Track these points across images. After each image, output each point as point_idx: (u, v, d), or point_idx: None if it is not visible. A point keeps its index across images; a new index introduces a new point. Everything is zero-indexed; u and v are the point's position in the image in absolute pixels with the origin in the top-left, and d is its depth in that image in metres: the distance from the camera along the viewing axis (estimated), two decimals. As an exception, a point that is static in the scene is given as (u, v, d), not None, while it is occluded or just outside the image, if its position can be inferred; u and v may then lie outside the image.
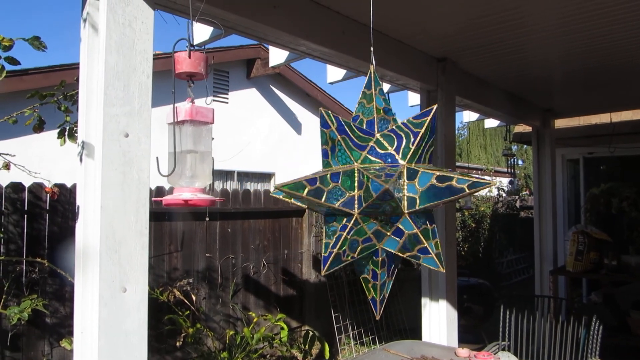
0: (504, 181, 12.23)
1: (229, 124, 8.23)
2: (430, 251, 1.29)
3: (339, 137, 1.33)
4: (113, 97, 1.46)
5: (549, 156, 5.46)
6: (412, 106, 4.43)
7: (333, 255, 1.27)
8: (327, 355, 4.78)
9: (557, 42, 3.25)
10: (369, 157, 1.34)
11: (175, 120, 1.44)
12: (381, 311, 1.36)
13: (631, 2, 2.57)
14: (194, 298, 4.56)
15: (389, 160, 1.33)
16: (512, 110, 4.72)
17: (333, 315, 5.36)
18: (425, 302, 3.51)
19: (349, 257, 1.31)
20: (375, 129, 1.39)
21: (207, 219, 4.91)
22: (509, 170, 6.74)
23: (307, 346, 5.02)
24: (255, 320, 4.74)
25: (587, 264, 4.94)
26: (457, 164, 14.28)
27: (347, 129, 1.34)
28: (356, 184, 1.28)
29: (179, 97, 1.47)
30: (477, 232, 9.55)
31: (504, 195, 11.16)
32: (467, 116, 5.35)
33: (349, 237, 1.28)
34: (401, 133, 1.36)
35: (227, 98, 8.52)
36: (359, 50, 2.77)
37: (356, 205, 1.27)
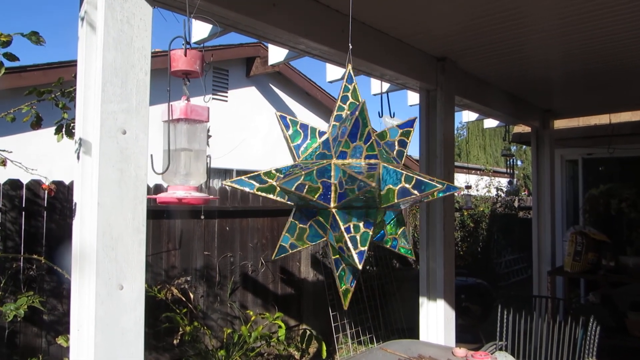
0: (503, 181, 12.24)
1: (228, 122, 8.23)
2: (351, 248, 1.30)
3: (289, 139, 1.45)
4: (111, 93, 1.46)
5: (548, 157, 5.46)
6: (411, 106, 4.43)
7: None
8: (325, 354, 4.78)
9: (557, 43, 3.24)
10: (313, 154, 1.44)
11: (170, 118, 1.44)
12: (347, 303, 1.42)
13: (632, 2, 2.56)
14: (191, 296, 4.56)
15: (327, 157, 1.40)
16: (511, 110, 4.72)
17: (331, 314, 5.36)
18: (423, 301, 3.51)
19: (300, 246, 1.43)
20: (330, 126, 1.50)
21: (202, 217, 4.91)
22: (508, 170, 6.74)
23: (304, 345, 5.02)
24: (253, 318, 4.74)
25: (585, 264, 4.94)
26: (456, 164, 14.29)
27: (300, 130, 1.48)
28: (333, 179, 1.31)
29: (176, 95, 1.46)
30: (476, 232, 9.56)
31: (502, 195, 11.17)
32: (467, 116, 5.35)
33: (304, 228, 1.39)
34: (339, 129, 1.44)
35: (227, 96, 8.51)
36: (358, 48, 2.76)
37: (332, 200, 1.30)
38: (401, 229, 1.52)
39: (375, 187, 1.22)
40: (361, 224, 1.31)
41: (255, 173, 1.36)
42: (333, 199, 1.30)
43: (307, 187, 1.28)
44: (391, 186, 1.33)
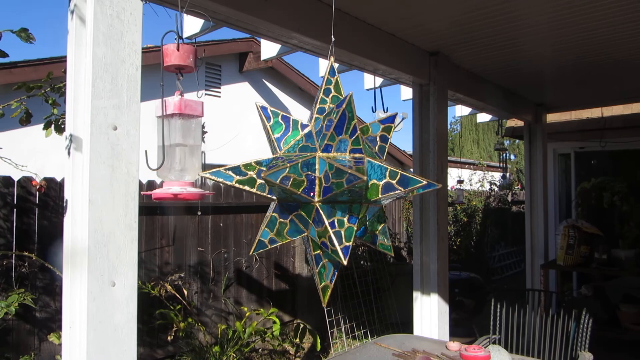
0: (497, 176, 12.28)
1: (222, 117, 8.19)
2: (335, 243, 1.30)
3: (270, 130, 1.46)
4: (101, 89, 1.44)
5: (540, 150, 5.48)
6: (404, 100, 4.42)
7: (267, 239, 1.39)
8: (319, 348, 4.80)
9: (549, 37, 3.25)
10: (295, 147, 1.44)
11: (164, 113, 1.42)
12: (325, 300, 1.39)
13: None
14: (185, 292, 4.55)
15: (310, 150, 1.39)
16: (504, 104, 4.73)
17: (325, 309, 5.37)
18: (416, 296, 3.52)
19: (279, 241, 1.42)
20: (312, 119, 1.49)
21: (199, 213, 4.89)
22: (501, 164, 6.76)
23: (299, 340, 5.03)
24: (247, 314, 4.74)
25: (577, 257, 4.97)
26: (450, 158, 14.32)
27: (282, 122, 1.48)
28: (317, 172, 1.30)
29: (169, 90, 1.45)
30: (469, 227, 9.60)
31: (496, 189, 11.21)
32: (460, 110, 5.36)
33: (284, 223, 1.38)
34: (324, 122, 1.42)
35: (220, 92, 8.47)
36: (350, 43, 2.76)
37: (316, 194, 1.29)
38: (381, 225, 1.53)
39: (364, 181, 1.22)
40: (345, 219, 1.31)
41: (234, 165, 1.34)
42: (317, 193, 1.29)
43: (291, 179, 1.27)
44: (375, 181, 1.33)
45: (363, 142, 1.38)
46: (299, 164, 1.28)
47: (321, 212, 1.29)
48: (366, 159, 1.33)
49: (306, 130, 1.43)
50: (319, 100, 1.46)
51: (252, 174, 1.34)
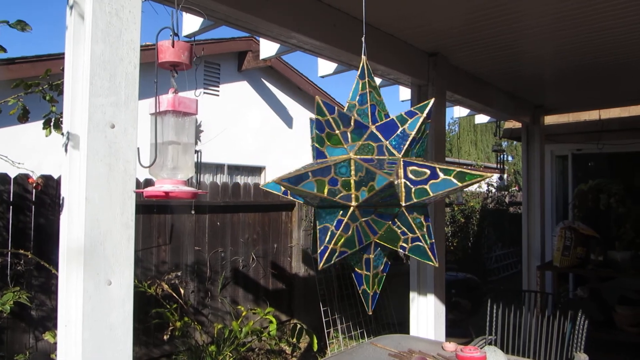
0: (494, 177, 12.31)
1: (220, 116, 8.18)
2: (424, 245, 1.28)
3: (334, 126, 1.29)
4: (99, 87, 1.44)
5: (538, 152, 5.49)
6: (403, 101, 4.43)
7: (329, 250, 1.23)
8: (316, 348, 4.79)
9: (548, 39, 3.25)
10: (364, 148, 1.31)
11: (157, 110, 1.42)
12: (373, 307, 1.34)
13: (621, -1, 2.58)
14: (182, 291, 4.54)
15: (385, 152, 1.31)
16: (502, 106, 4.73)
17: (322, 309, 5.37)
18: (413, 296, 3.52)
19: (343, 252, 1.27)
20: (370, 121, 1.36)
21: (193, 212, 4.88)
22: (499, 166, 6.76)
23: (295, 340, 5.02)
24: (244, 313, 4.73)
25: (573, 259, 4.98)
26: (448, 159, 14.34)
27: (340, 120, 1.30)
28: (353, 175, 1.25)
29: (165, 87, 1.44)
30: (466, 227, 9.61)
31: (493, 190, 11.23)
32: (458, 112, 5.36)
33: (344, 232, 1.24)
34: (398, 126, 1.34)
35: (218, 90, 8.46)
36: (350, 43, 2.76)
37: (353, 197, 1.24)
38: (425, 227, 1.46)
39: (392, 183, 1.18)
40: (423, 220, 1.29)
41: (315, 168, 1.22)
42: (403, 196, 1.26)
43: (317, 184, 1.19)
44: (433, 181, 1.28)
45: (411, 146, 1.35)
46: (331, 167, 1.22)
47: (407, 214, 1.26)
48: (401, 160, 1.29)
49: (368, 132, 1.33)
50: (368, 101, 1.39)
51: (326, 178, 1.22)
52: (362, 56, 1.45)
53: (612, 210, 5.98)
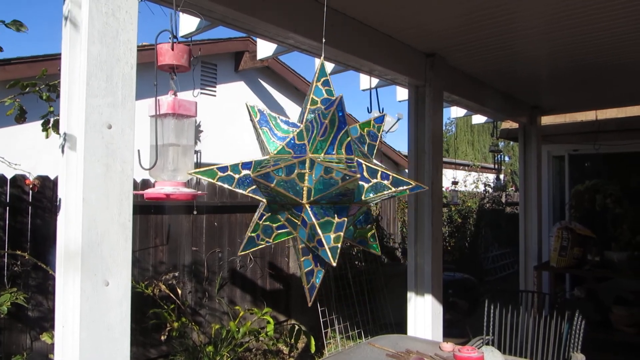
0: (491, 177, 12.33)
1: (217, 117, 8.18)
2: (324, 244, 1.29)
3: (259, 129, 1.44)
4: (96, 87, 1.43)
5: (535, 153, 5.51)
6: (400, 101, 4.43)
7: (247, 238, 1.40)
8: (313, 349, 4.79)
9: (545, 40, 3.26)
10: (285, 147, 1.41)
11: (157, 112, 1.42)
12: (311, 299, 1.39)
13: (616, 0, 2.58)
14: (179, 292, 4.54)
15: (300, 150, 1.38)
16: (499, 106, 4.74)
17: (319, 309, 5.37)
18: (410, 296, 3.52)
19: (264, 242, 1.42)
20: (304, 120, 1.45)
21: (195, 212, 4.88)
22: (496, 166, 6.78)
23: (293, 340, 5.02)
24: (241, 314, 4.73)
25: (570, 259, 5.00)
26: (445, 159, 14.34)
27: (270, 121, 1.46)
28: (307, 174, 1.30)
29: (163, 89, 1.44)
30: (463, 228, 9.62)
31: (490, 191, 11.25)
32: (455, 112, 5.37)
33: (258, 220, 1.39)
34: (315, 123, 1.39)
35: (215, 91, 8.46)
36: (347, 44, 2.76)
37: (305, 195, 1.29)
38: (369, 226, 1.53)
39: (357, 180, 1.22)
40: (334, 220, 1.30)
41: (224, 164, 1.36)
42: (306, 194, 1.29)
43: (281, 181, 1.27)
44: (363, 183, 1.33)
45: (353, 143, 1.39)
46: (289, 165, 1.28)
47: (310, 212, 1.29)
48: (356, 159, 1.33)
49: (297, 130, 1.42)
50: (310, 101, 1.46)
51: (237, 175, 1.35)
52: (319, 58, 1.55)
53: (609, 210, 6.00)
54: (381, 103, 3.24)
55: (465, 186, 11.19)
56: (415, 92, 3.53)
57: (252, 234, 1.40)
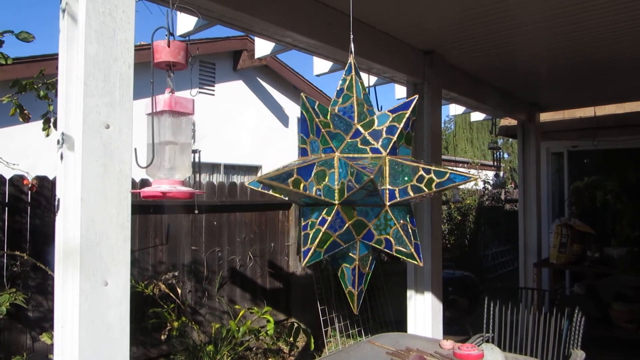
0: (490, 174, 12.33)
1: (216, 116, 8.17)
2: (410, 246, 1.27)
3: (319, 123, 1.29)
4: (93, 87, 1.43)
5: (534, 149, 5.51)
6: (398, 99, 4.43)
7: (313, 249, 1.22)
8: (313, 347, 4.80)
9: (542, 36, 3.26)
10: (349, 146, 1.31)
11: (154, 110, 1.41)
12: (359, 306, 1.32)
13: (616, -4, 2.58)
14: (179, 291, 4.53)
15: (370, 150, 1.31)
16: (498, 103, 4.74)
17: (319, 308, 5.37)
18: (410, 294, 3.52)
19: (328, 250, 1.26)
20: (355, 118, 1.36)
21: (196, 211, 4.87)
22: (495, 163, 6.79)
23: (293, 339, 5.03)
24: (241, 313, 4.73)
25: (570, 256, 5.00)
26: (444, 157, 14.37)
27: (327, 117, 1.31)
28: (336, 173, 1.25)
29: (160, 87, 1.44)
30: (463, 225, 9.62)
31: (489, 188, 11.25)
32: (454, 109, 5.37)
33: (329, 231, 1.23)
34: (383, 123, 1.34)
35: (214, 90, 8.45)
36: (345, 41, 2.75)
37: (337, 195, 1.23)
38: (393, 229, 1.45)
39: (372, 180, 1.16)
40: (366, 221, 1.26)
41: (301, 166, 1.23)
42: (337, 195, 1.23)
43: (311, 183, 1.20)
44: (398, 180, 1.27)
45: (382, 138, 1.32)
46: (318, 165, 1.22)
47: (391, 214, 1.23)
48: (387, 158, 1.28)
49: (353, 130, 1.35)
50: (355, 99, 1.39)
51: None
52: (350, 54, 1.46)
53: (608, 207, 6.00)
54: (380, 101, 3.25)
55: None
56: (414, 89, 3.53)
57: (317, 247, 1.23)
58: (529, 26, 3.05)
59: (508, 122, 6.74)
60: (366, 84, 3.56)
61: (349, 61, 1.45)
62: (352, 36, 1.51)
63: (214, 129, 7.94)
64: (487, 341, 3.22)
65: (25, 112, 2.59)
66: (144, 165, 1.41)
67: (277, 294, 5.83)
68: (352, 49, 1.47)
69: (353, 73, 1.42)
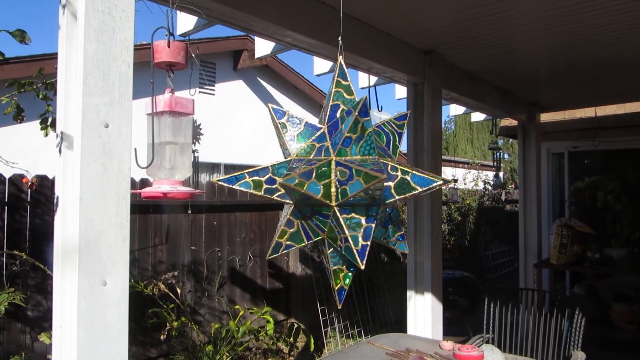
0: (490, 175, 12.32)
1: (216, 115, 8.16)
2: (352, 246, 1.28)
3: (281, 130, 1.42)
4: (92, 86, 1.43)
5: (534, 150, 5.50)
6: (399, 99, 4.42)
7: (274, 243, 1.40)
8: (313, 348, 4.79)
9: (542, 36, 3.25)
10: (307, 149, 1.41)
11: (154, 110, 1.41)
12: (340, 301, 1.38)
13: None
14: (179, 291, 4.53)
15: (325, 153, 1.37)
16: (498, 103, 4.74)
17: (319, 308, 5.36)
18: (410, 295, 3.52)
19: (290, 245, 1.43)
20: (325, 121, 1.44)
21: (190, 212, 4.87)
22: (495, 163, 6.77)
23: (293, 339, 5.02)
24: (241, 313, 4.72)
25: (570, 256, 4.99)
26: (444, 157, 14.35)
27: (292, 123, 1.44)
28: (333, 175, 1.27)
29: (160, 87, 1.44)
30: (463, 226, 9.61)
31: (489, 188, 11.24)
32: (454, 109, 5.36)
33: (287, 228, 1.37)
34: (338, 124, 1.39)
35: (214, 90, 8.45)
36: (345, 41, 2.74)
37: (333, 197, 1.26)
38: (397, 225, 1.50)
39: (383, 180, 1.20)
40: (363, 221, 1.28)
41: (252, 169, 1.36)
42: (334, 196, 1.26)
43: (310, 184, 1.25)
44: (390, 183, 1.31)
45: (376, 142, 1.36)
46: (315, 168, 1.26)
47: (338, 214, 1.27)
48: (381, 161, 1.31)
49: (319, 132, 1.40)
50: (330, 101, 1.42)
51: (262, 178, 1.36)
52: (339, 56, 1.49)
53: (609, 207, 5.99)
54: (380, 101, 3.24)
55: (464, 184, 11.18)
56: (414, 89, 3.53)
57: (281, 240, 1.40)
58: (528, 25, 3.05)
59: (508, 122, 6.73)
60: (366, 84, 3.55)
61: (339, 62, 1.49)
62: (340, 39, 1.56)
63: (215, 129, 7.94)
64: (487, 342, 3.22)
65: (16, 112, 2.58)
66: (144, 165, 1.41)
67: (276, 294, 5.83)
68: (341, 49, 1.52)
69: (336, 76, 1.47)
